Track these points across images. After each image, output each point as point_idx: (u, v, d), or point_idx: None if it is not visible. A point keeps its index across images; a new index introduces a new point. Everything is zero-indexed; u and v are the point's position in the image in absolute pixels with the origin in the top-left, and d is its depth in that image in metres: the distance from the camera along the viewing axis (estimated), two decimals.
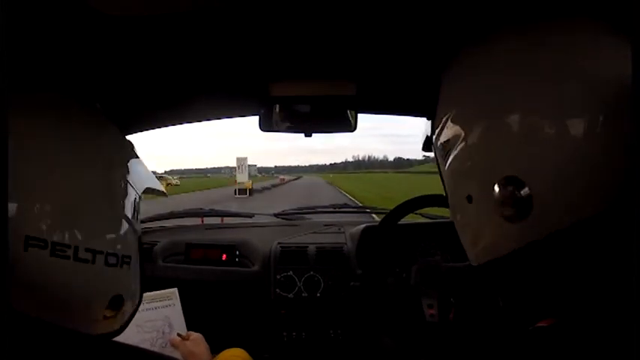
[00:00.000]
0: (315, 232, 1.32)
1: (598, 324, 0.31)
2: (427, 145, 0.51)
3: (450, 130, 0.41)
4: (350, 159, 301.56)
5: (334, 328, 1.13)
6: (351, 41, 0.66)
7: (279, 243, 1.20)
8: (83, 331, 0.41)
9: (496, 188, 0.35)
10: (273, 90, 0.88)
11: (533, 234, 0.35)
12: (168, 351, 0.82)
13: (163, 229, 1.45)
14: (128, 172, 0.45)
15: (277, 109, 0.93)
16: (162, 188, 0.57)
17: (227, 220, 1.63)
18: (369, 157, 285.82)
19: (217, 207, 1.64)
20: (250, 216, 1.57)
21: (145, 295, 0.86)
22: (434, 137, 0.46)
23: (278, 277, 1.12)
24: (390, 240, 1.11)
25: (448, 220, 1.28)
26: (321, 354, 1.12)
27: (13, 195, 0.34)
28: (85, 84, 0.75)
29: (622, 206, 0.29)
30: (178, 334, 0.83)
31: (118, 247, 0.42)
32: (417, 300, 0.96)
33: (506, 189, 0.35)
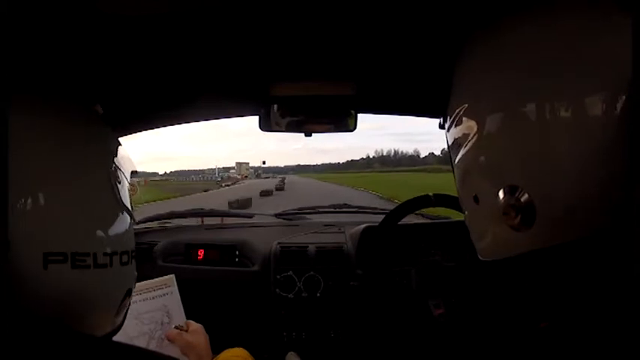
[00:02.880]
0: (315, 232, 1.32)
1: (591, 329, 0.30)
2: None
3: (461, 125, 0.39)
4: (372, 154, 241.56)
5: (334, 328, 1.13)
6: (351, 41, 0.66)
7: (279, 243, 1.19)
8: (97, 333, 0.41)
9: (501, 195, 0.35)
10: (273, 90, 0.88)
11: (536, 244, 0.34)
12: (167, 343, 0.81)
13: (163, 229, 1.45)
14: (119, 159, 0.44)
15: (277, 109, 0.93)
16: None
17: (227, 220, 1.62)
18: (394, 151, 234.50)
19: None
20: (250, 216, 1.57)
21: (141, 284, 0.85)
22: (446, 127, 0.44)
23: (278, 277, 1.12)
24: (390, 240, 1.11)
25: (448, 220, 1.28)
26: (321, 354, 1.12)
27: (23, 214, 0.33)
28: (86, 84, 0.75)
29: (628, 223, 0.28)
30: (176, 327, 0.81)
31: (127, 243, 0.42)
32: (423, 301, 0.96)
33: (510, 197, 0.34)
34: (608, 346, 0.28)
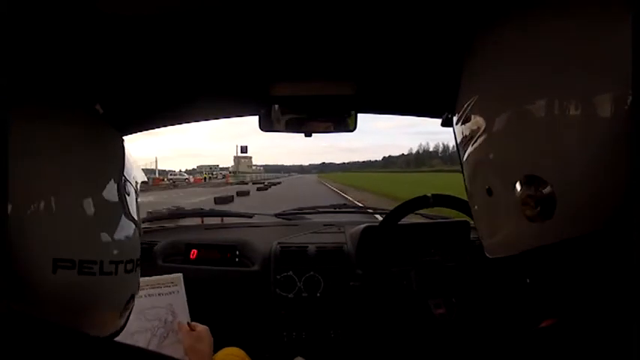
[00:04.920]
0: (315, 232, 1.32)
1: (599, 325, 0.30)
2: (448, 122, 0.48)
3: (472, 118, 0.39)
4: (416, 149, 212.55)
5: (334, 328, 1.13)
6: (351, 41, 0.66)
7: (279, 243, 1.19)
8: (98, 334, 0.42)
9: (518, 186, 0.34)
10: (274, 90, 0.88)
11: (555, 235, 0.33)
12: (170, 341, 0.80)
13: (163, 229, 1.45)
14: (127, 170, 0.45)
15: (277, 109, 0.94)
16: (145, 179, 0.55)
17: (227, 220, 1.63)
18: (444, 146, 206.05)
19: None
20: (250, 216, 1.57)
21: (148, 279, 0.85)
22: (454, 121, 0.44)
23: (278, 277, 1.12)
24: (390, 240, 1.11)
25: (448, 220, 1.28)
26: (321, 354, 1.12)
27: (36, 220, 0.35)
28: (87, 84, 0.75)
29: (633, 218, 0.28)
30: (188, 324, 0.81)
31: (133, 252, 0.43)
32: (423, 301, 0.96)
33: (529, 188, 0.33)
34: (615, 345, 0.28)
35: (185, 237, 1.30)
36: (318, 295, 1.11)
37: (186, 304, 0.87)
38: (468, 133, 0.40)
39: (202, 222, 1.63)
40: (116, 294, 0.42)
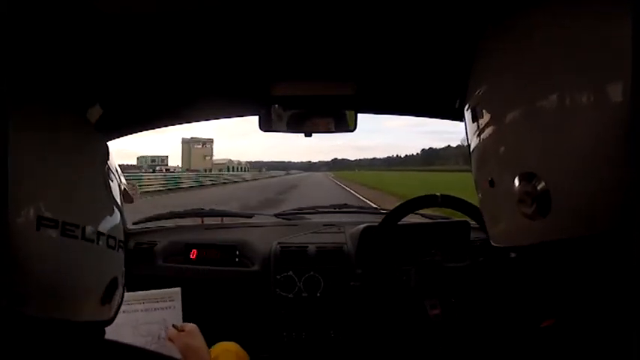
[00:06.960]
0: (315, 232, 1.32)
1: (598, 326, 0.30)
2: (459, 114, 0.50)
3: (480, 108, 0.39)
4: (455, 142, 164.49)
5: (334, 328, 1.13)
6: (352, 42, 0.66)
7: (279, 243, 1.19)
8: (82, 318, 0.42)
9: (516, 182, 0.35)
10: (274, 90, 0.88)
11: (550, 234, 0.34)
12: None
13: (163, 229, 1.45)
14: (111, 162, 0.48)
15: (277, 109, 0.94)
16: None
17: (227, 220, 1.62)
18: None
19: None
20: (250, 216, 1.57)
21: (146, 293, 0.85)
22: (465, 108, 0.44)
23: (278, 277, 1.12)
24: (390, 240, 1.11)
25: (448, 220, 1.28)
26: (321, 354, 1.12)
27: (21, 180, 0.36)
28: (85, 84, 0.75)
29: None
30: (173, 325, 0.80)
31: (116, 231, 0.45)
32: (420, 301, 0.96)
33: (527, 185, 0.34)
34: (615, 346, 0.28)
35: (185, 237, 1.30)
36: (318, 295, 1.11)
37: (181, 320, 0.86)
38: (475, 125, 0.41)
39: (202, 222, 1.62)
40: (97, 266, 0.43)
